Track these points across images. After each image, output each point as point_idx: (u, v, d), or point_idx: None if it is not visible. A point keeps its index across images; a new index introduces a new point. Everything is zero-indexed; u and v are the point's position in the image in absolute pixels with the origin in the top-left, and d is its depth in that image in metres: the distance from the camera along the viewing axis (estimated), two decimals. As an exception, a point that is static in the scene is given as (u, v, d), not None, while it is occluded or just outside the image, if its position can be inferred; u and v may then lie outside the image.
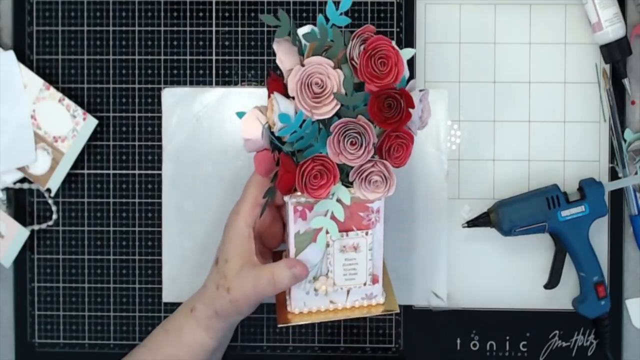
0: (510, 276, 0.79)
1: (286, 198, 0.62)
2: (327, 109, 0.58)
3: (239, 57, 0.79)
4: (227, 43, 0.79)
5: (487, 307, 0.79)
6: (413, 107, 0.58)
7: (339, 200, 0.61)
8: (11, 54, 0.78)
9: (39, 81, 0.78)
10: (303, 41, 0.60)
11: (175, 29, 0.80)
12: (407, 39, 0.79)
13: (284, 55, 0.61)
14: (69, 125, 0.78)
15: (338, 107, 0.59)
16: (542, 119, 0.78)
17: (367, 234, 0.63)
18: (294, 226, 0.62)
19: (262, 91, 0.78)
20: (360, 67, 0.58)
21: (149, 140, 0.80)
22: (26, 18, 0.80)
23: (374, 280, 0.65)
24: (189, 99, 0.79)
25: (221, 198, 0.79)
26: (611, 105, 0.77)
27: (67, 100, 0.78)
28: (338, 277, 0.65)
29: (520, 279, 0.79)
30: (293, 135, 0.59)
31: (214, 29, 0.80)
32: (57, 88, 0.78)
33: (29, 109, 0.78)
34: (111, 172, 0.80)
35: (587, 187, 0.75)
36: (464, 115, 0.79)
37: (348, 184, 0.61)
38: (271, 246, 0.70)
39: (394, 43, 0.59)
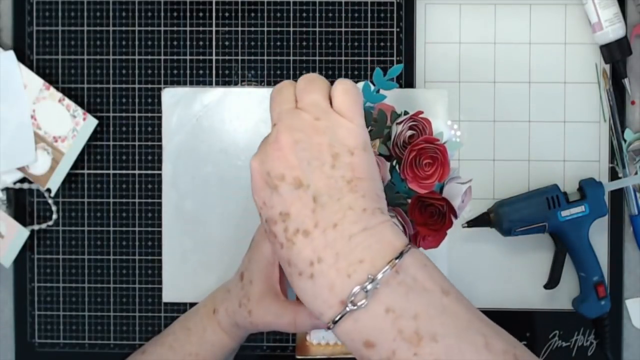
0: (510, 276, 0.79)
1: None
2: None
3: (239, 57, 0.79)
4: (227, 43, 0.79)
5: (487, 307, 0.79)
6: (456, 217, 0.57)
7: None
8: (11, 54, 0.78)
9: (39, 81, 0.78)
10: None
11: (175, 29, 0.80)
12: (407, 39, 0.79)
13: None
14: (69, 125, 0.78)
15: None
16: (542, 119, 0.78)
17: None
18: None
19: (262, 91, 0.78)
20: (403, 166, 0.56)
21: (149, 140, 0.80)
22: (26, 18, 0.80)
23: None
24: (189, 99, 0.79)
25: (221, 198, 0.79)
26: (611, 105, 0.77)
27: (67, 100, 0.78)
28: None
29: (520, 279, 0.79)
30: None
31: (214, 29, 0.80)
32: (57, 88, 0.78)
33: (29, 109, 0.78)
34: (111, 172, 0.80)
35: (587, 187, 0.75)
36: (464, 115, 0.79)
37: None
38: None
39: (440, 138, 0.57)
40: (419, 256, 0.48)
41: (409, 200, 0.57)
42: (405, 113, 0.58)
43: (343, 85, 0.51)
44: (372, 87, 0.59)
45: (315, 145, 0.48)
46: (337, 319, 0.46)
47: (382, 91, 0.59)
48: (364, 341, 0.46)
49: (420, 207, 0.56)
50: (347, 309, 0.45)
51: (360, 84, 0.58)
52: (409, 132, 0.57)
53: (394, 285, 0.45)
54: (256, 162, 0.49)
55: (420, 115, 0.58)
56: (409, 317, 0.45)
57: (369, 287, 0.45)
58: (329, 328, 0.46)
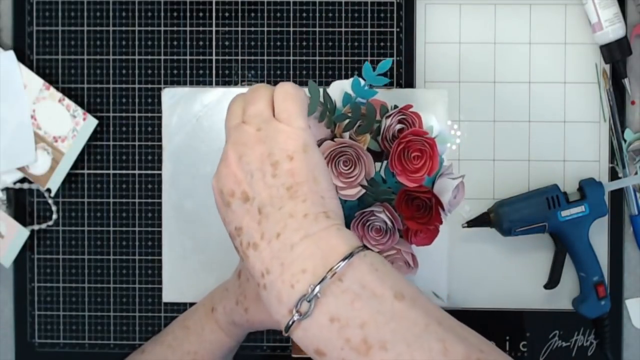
0: (510, 276, 0.79)
1: None
2: (354, 192, 0.56)
3: (239, 57, 0.79)
4: (227, 43, 0.79)
5: (487, 307, 0.79)
6: (443, 209, 0.56)
7: None
8: (11, 54, 0.78)
9: (39, 81, 0.78)
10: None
11: (175, 29, 0.80)
12: (407, 39, 0.79)
13: (314, 126, 0.58)
14: (69, 125, 0.78)
15: (363, 191, 0.56)
16: (542, 119, 0.78)
17: None
18: None
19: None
20: (391, 158, 0.55)
21: (149, 140, 0.80)
22: (26, 18, 0.80)
23: None
24: (189, 99, 0.79)
25: (221, 198, 0.78)
26: (611, 105, 0.77)
27: (67, 100, 0.78)
28: None
29: (520, 279, 0.79)
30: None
31: (214, 29, 0.80)
32: (57, 88, 0.78)
33: (29, 109, 0.78)
34: (111, 172, 0.80)
35: (587, 187, 0.75)
36: (464, 115, 0.79)
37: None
38: None
39: (430, 132, 0.56)
40: (372, 259, 0.46)
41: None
42: (395, 107, 0.58)
43: (282, 89, 0.52)
44: (362, 82, 0.58)
45: (257, 157, 0.49)
46: (287, 327, 0.46)
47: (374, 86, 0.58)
48: (314, 349, 0.45)
49: (406, 201, 0.56)
50: (294, 318, 0.45)
51: (348, 82, 0.58)
52: (398, 126, 0.57)
53: (337, 294, 0.45)
54: (214, 181, 0.51)
55: (410, 110, 0.57)
56: (356, 325, 0.44)
57: (311, 297, 0.45)
58: (287, 335, 0.46)
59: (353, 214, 0.58)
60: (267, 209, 0.48)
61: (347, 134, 0.58)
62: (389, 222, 0.56)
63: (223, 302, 0.67)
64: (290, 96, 0.51)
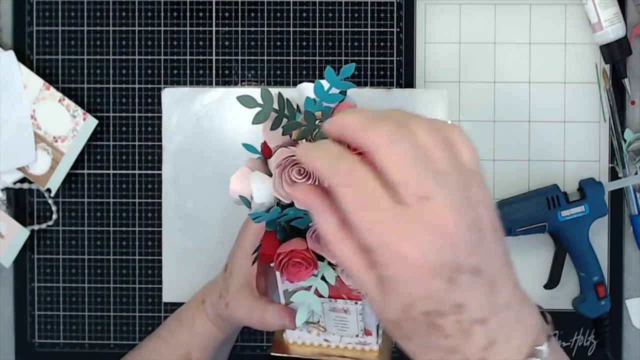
0: (510, 276, 0.78)
1: (271, 264, 0.58)
2: None
3: (239, 57, 0.79)
4: (227, 43, 0.79)
5: (487, 307, 0.79)
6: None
7: (323, 279, 0.56)
8: (11, 54, 0.78)
9: (39, 81, 0.78)
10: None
11: (175, 29, 0.80)
12: (407, 39, 0.79)
13: (269, 136, 0.56)
14: (69, 125, 0.78)
15: None
16: (542, 119, 0.78)
17: (356, 303, 0.59)
18: (282, 285, 0.60)
19: (262, 91, 0.78)
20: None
21: (149, 140, 0.80)
22: (26, 18, 0.80)
23: (367, 334, 0.63)
24: (189, 99, 0.79)
25: (221, 198, 0.79)
26: (611, 105, 0.77)
27: (67, 100, 0.78)
28: (329, 327, 0.63)
29: (520, 279, 0.78)
30: (274, 217, 0.54)
31: (214, 29, 0.80)
32: (57, 88, 0.78)
33: (29, 109, 0.78)
34: (111, 172, 0.80)
35: (587, 187, 0.75)
36: (464, 115, 0.79)
37: (334, 265, 0.57)
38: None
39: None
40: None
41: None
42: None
43: (460, 135, 0.45)
44: (326, 86, 0.55)
45: (479, 222, 0.42)
46: None
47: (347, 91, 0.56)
48: None
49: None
50: None
51: (311, 85, 0.55)
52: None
53: (552, 354, 0.43)
54: (416, 250, 0.39)
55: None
56: None
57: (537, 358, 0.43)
58: None
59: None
60: (497, 279, 0.42)
61: (304, 142, 0.55)
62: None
63: (211, 295, 0.69)
64: (471, 142, 0.45)
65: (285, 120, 0.54)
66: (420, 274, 0.40)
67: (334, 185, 0.41)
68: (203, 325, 0.69)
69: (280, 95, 0.54)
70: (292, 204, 0.54)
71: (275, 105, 0.54)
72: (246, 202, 0.56)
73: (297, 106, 0.56)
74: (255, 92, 0.79)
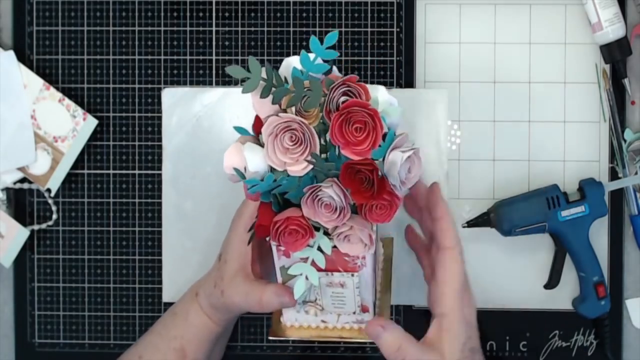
0: (510, 276, 0.79)
1: (267, 238, 0.58)
2: (300, 167, 0.55)
3: (239, 57, 0.79)
4: (227, 43, 0.79)
5: (487, 307, 0.79)
6: (387, 180, 0.55)
7: (319, 249, 0.57)
8: (11, 54, 0.78)
9: (39, 81, 0.78)
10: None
11: (175, 29, 0.80)
12: (407, 39, 0.79)
13: (259, 105, 0.57)
14: (69, 125, 0.78)
15: (310, 167, 0.55)
16: (542, 119, 0.78)
17: (353, 275, 0.60)
18: (278, 262, 0.60)
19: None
20: (332, 131, 0.54)
21: (149, 140, 0.80)
22: (26, 18, 0.80)
23: (364, 310, 0.63)
24: (189, 99, 0.79)
25: (221, 198, 0.79)
26: (611, 105, 0.77)
27: (67, 100, 0.78)
28: (326, 304, 0.63)
29: (520, 279, 0.79)
30: (267, 187, 0.55)
31: (214, 29, 0.80)
32: (57, 88, 0.78)
33: (29, 109, 0.78)
34: (111, 172, 0.80)
35: (587, 187, 0.75)
36: (464, 115, 0.79)
37: (330, 234, 0.58)
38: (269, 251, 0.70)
39: (374, 103, 0.54)
40: None
41: None
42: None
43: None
44: (312, 57, 0.56)
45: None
46: None
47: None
48: None
49: (350, 174, 0.54)
50: None
51: (297, 57, 0.56)
52: (342, 98, 0.55)
53: None
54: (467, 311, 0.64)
55: (358, 82, 0.55)
56: None
57: None
58: None
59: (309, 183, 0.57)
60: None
61: (292, 110, 0.56)
62: (336, 198, 0.54)
63: (205, 286, 0.69)
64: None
65: (273, 89, 0.55)
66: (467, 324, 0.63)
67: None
68: (197, 317, 0.69)
69: (267, 63, 0.55)
70: (285, 173, 0.55)
71: (264, 75, 0.55)
72: (240, 174, 0.56)
73: (285, 78, 0.57)
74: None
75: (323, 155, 0.57)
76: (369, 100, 0.55)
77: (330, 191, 0.54)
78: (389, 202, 0.56)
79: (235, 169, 0.56)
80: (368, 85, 0.56)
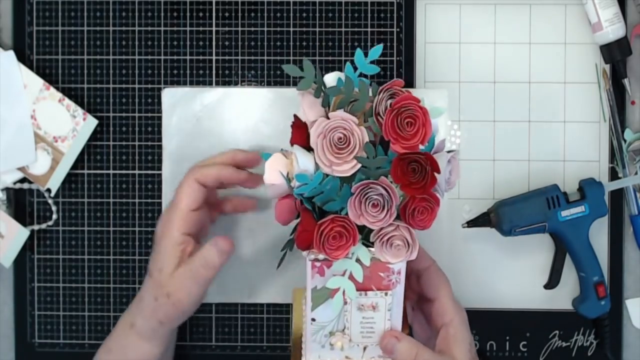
0: (510, 276, 0.79)
1: (304, 254, 0.59)
2: (348, 167, 0.56)
3: (239, 57, 0.79)
4: (227, 43, 0.79)
5: (487, 307, 0.79)
6: (439, 172, 0.56)
7: (358, 261, 0.58)
8: (11, 54, 0.78)
9: (39, 81, 0.78)
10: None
11: (175, 29, 0.80)
12: (407, 39, 0.79)
13: (308, 107, 0.59)
14: (69, 125, 0.78)
15: (359, 166, 0.56)
16: (542, 119, 0.78)
17: (386, 294, 0.61)
18: (311, 281, 0.60)
19: (263, 91, 0.78)
20: (385, 126, 0.55)
21: (149, 140, 0.80)
22: (26, 18, 0.80)
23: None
24: (189, 99, 0.79)
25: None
26: (611, 105, 0.77)
27: (67, 100, 0.78)
28: (355, 334, 0.63)
29: (520, 279, 0.79)
30: (312, 191, 0.57)
31: (214, 29, 0.80)
32: (57, 88, 0.78)
33: (29, 109, 0.78)
34: (111, 172, 0.80)
35: (587, 187, 0.75)
36: (464, 115, 0.79)
37: (369, 244, 0.58)
38: (204, 234, 0.72)
39: (422, 102, 0.56)
40: None
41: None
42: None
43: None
44: (355, 70, 0.58)
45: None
46: None
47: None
48: None
49: (402, 166, 0.55)
50: None
51: (337, 74, 0.58)
52: (390, 101, 0.57)
53: None
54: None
55: (398, 85, 0.57)
56: None
57: None
58: None
59: (347, 197, 0.57)
60: None
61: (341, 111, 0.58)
62: (385, 194, 0.56)
63: (141, 312, 0.68)
64: None
65: (322, 90, 0.58)
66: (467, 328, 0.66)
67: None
68: (136, 349, 0.68)
69: (319, 71, 0.58)
70: (331, 176, 0.57)
71: (315, 77, 0.57)
72: (286, 178, 0.58)
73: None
74: (254, 92, 0.79)
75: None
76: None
77: (380, 187, 0.56)
78: (430, 205, 0.57)
79: (281, 173, 0.58)
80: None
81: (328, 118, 0.57)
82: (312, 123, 0.57)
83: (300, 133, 0.59)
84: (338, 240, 0.56)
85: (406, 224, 0.57)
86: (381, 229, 0.57)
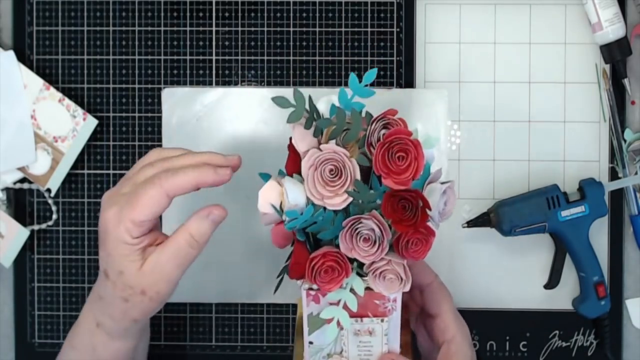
0: (510, 276, 0.79)
1: (298, 283, 0.59)
2: (339, 200, 0.55)
3: (239, 57, 0.79)
4: (227, 43, 0.79)
5: (487, 307, 0.79)
6: (430, 209, 0.55)
7: (352, 290, 0.57)
8: (11, 54, 0.78)
9: (39, 81, 0.78)
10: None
11: (175, 29, 0.80)
12: (407, 39, 0.79)
13: (299, 139, 0.57)
14: (69, 125, 0.78)
15: (351, 199, 0.56)
16: (542, 119, 0.78)
17: (382, 320, 0.60)
18: (307, 308, 0.60)
19: (263, 91, 0.78)
20: (376, 161, 0.54)
21: (149, 140, 0.80)
22: (26, 18, 0.80)
23: None
24: (189, 99, 0.79)
25: (221, 198, 0.78)
26: (611, 105, 0.77)
27: (67, 100, 0.78)
28: (352, 356, 0.62)
29: (520, 279, 0.79)
30: (304, 223, 0.56)
31: (214, 29, 0.80)
32: (57, 88, 0.78)
33: (29, 109, 0.78)
34: (111, 172, 0.80)
35: (587, 187, 0.75)
36: (464, 115, 0.79)
37: (363, 273, 0.58)
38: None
39: (415, 134, 0.55)
40: None
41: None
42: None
43: None
44: (349, 94, 0.57)
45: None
46: None
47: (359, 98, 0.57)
48: None
49: (392, 203, 0.54)
50: None
51: (334, 97, 0.57)
52: (383, 131, 0.56)
53: None
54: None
55: (396, 116, 0.56)
56: None
57: None
58: None
59: (341, 226, 0.57)
60: None
61: (333, 142, 0.57)
62: (377, 229, 0.55)
63: (107, 312, 0.62)
64: None
65: (316, 122, 0.57)
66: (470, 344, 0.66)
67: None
68: (107, 349, 0.63)
69: (310, 98, 0.56)
70: (323, 207, 0.56)
71: (307, 107, 0.56)
72: (278, 211, 0.57)
73: (323, 115, 0.58)
74: (254, 92, 0.79)
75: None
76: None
77: (370, 222, 0.55)
78: (425, 237, 0.56)
79: (274, 206, 0.57)
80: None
81: (320, 149, 0.56)
82: (305, 153, 0.56)
83: (294, 159, 0.58)
84: (330, 274, 0.56)
85: (400, 255, 0.57)
86: (373, 262, 0.57)
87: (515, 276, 0.79)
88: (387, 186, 0.55)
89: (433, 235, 0.57)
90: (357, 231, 0.55)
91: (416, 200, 0.54)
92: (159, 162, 0.62)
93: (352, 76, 0.57)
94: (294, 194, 0.56)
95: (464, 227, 0.76)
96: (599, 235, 0.78)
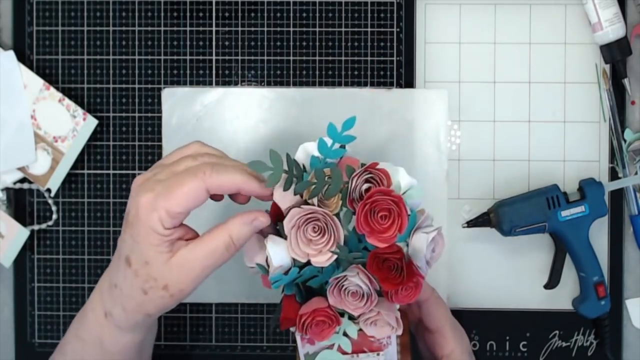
0: (510, 276, 0.79)
1: (292, 329, 0.58)
2: (324, 258, 0.55)
3: (239, 57, 0.79)
4: (227, 43, 0.79)
5: (487, 307, 0.79)
6: (415, 269, 0.55)
7: (345, 334, 0.57)
8: (11, 54, 0.78)
9: (39, 81, 0.78)
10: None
11: (175, 29, 0.80)
12: (407, 39, 0.79)
13: (280, 199, 0.56)
14: (69, 125, 0.78)
15: (334, 258, 0.55)
16: (542, 119, 0.78)
17: (378, 354, 0.60)
18: (302, 349, 0.60)
19: (262, 91, 0.78)
20: (358, 221, 0.53)
21: (149, 140, 0.80)
22: (26, 18, 0.80)
23: None
24: (189, 99, 0.79)
25: (221, 198, 0.78)
26: (611, 105, 0.77)
27: (67, 100, 0.78)
28: None
29: (520, 279, 0.79)
30: (292, 279, 0.56)
31: (214, 29, 0.80)
32: (57, 88, 0.78)
33: (29, 109, 0.78)
34: (111, 172, 0.80)
35: (587, 187, 0.75)
36: (464, 115, 0.79)
37: (355, 317, 0.58)
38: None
39: (397, 189, 0.54)
40: None
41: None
42: (363, 165, 0.56)
43: None
44: (329, 142, 0.56)
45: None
46: None
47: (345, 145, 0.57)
48: None
49: (377, 263, 0.54)
50: None
51: (313, 144, 0.56)
52: (365, 186, 0.55)
53: None
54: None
55: (378, 166, 0.55)
56: None
57: None
58: None
59: (330, 272, 0.57)
60: None
61: (315, 200, 0.56)
62: (363, 286, 0.55)
63: (119, 303, 0.59)
64: None
65: (294, 180, 0.56)
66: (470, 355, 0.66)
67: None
68: (115, 342, 0.61)
69: (288, 156, 0.56)
70: (308, 263, 0.55)
71: (285, 167, 0.55)
72: (263, 269, 0.57)
73: (303, 166, 0.57)
74: (254, 92, 0.79)
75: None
76: (390, 185, 0.55)
77: (357, 279, 0.55)
78: (415, 283, 0.56)
79: (259, 265, 0.57)
80: (387, 167, 0.56)
81: (305, 203, 0.55)
82: (287, 209, 0.55)
83: (278, 209, 0.57)
84: (321, 326, 0.56)
85: (390, 301, 0.57)
86: (363, 313, 0.57)
87: (515, 276, 0.79)
88: (372, 244, 0.54)
89: (423, 278, 0.56)
90: (344, 287, 0.55)
91: (400, 261, 0.54)
92: (202, 156, 0.59)
93: (331, 125, 0.55)
94: (278, 257, 0.55)
95: (464, 227, 0.76)
96: (599, 235, 0.78)
